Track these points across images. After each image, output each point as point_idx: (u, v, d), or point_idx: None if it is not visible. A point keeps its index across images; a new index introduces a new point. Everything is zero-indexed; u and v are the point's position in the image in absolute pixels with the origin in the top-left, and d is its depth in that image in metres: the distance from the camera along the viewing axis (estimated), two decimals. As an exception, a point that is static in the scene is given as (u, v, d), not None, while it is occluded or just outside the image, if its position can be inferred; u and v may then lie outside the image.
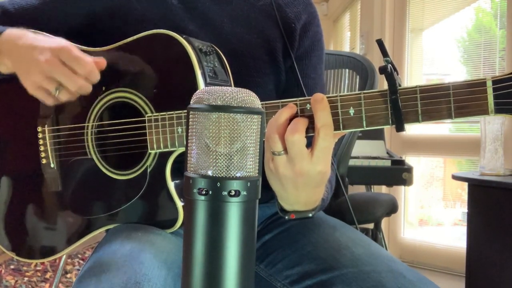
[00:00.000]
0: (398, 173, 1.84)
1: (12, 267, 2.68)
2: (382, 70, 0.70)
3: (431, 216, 3.54)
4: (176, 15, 0.96)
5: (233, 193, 0.45)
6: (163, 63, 0.87)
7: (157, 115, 0.84)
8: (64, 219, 0.96)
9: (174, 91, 0.86)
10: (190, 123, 0.47)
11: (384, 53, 0.71)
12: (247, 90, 0.48)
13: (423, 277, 0.78)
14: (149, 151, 0.86)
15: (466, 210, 2.08)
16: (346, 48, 4.18)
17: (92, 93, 0.90)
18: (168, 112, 0.83)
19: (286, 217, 0.81)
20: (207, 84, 0.82)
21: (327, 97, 0.72)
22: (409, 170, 1.85)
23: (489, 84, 0.66)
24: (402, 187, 3.16)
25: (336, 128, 0.72)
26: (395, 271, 0.77)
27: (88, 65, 0.83)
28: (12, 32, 0.88)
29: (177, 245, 0.83)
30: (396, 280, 0.75)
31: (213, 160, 0.45)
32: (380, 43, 0.72)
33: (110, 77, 0.91)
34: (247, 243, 0.47)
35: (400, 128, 0.69)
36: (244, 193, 0.46)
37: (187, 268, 0.47)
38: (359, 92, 0.72)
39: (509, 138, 2.46)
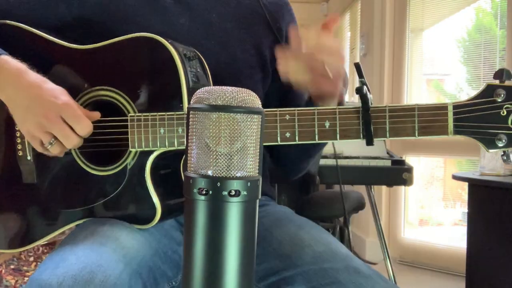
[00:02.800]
0: (398, 173, 1.84)
1: (12, 267, 2.68)
2: (358, 90, 0.78)
3: (431, 216, 3.54)
4: (167, 9, 0.98)
5: (233, 193, 0.45)
6: (148, 65, 0.89)
7: (140, 115, 0.86)
8: (39, 211, 0.97)
9: (158, 94, 0.88)
10: (191, 123, 0.47)
11: (360, 74, 0.81)
12: (247, 90, 0.48)
13: (376, 272, 0.83)
14: (130, 149, 0.88)
15: (466, 210, 2.08)
16: (346, 48, 4.18)
17: (74, 89, 0.91)
18: (152, 113, 0.85)
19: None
20: (190, 88, 0.85)
21: (305, 110, 0.80)
22: (409, 170, 1.85)
23: (450, 108, 0.76)
24: (402, 187, 3.16)
25: (311, 139, 0.81)
26: (351, 267, 0.82)
27: (88, 126, 0.85)
28: (7, 66, 0.87)
29: (141, 242, 0.85)
30: (351, 276, 0.80)
31: (213, 160, 0.45)
32: (357, 66, 0.81)
33: (94, 75, 0.92)
34: (247, 243, 0.47)
35: (369, 142, 0.78)
36: (244, 193, 0.46)
37: (188, 268, 0.47)
38: (335, 107, 0.80)
39: (509, 138, 2.45)
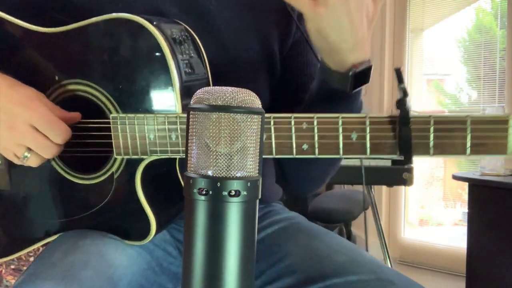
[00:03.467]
0: (398, 173, 1.84)
1: (12, 267, 2.68)
2: (401, 102, 0.64)
3: (431, 216, 3.54)
4: None
5: (233, 193, 0.45)
6: (131, 55, 0.75)
7: (124, 117, 0.72)
8: (13, 222, 0.85)
9: (144, 90, 0.74)
10: (190, 123, 0.47)
11: (400, 80, 0.66)
12: (247, 90, 0.48)
13: (413, 282, 0.73)
14: (115, 156, 0.75)
15: (466, 210, 2.08)
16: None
17: (41, 82, 0.78)
18: (138, 114, 0.72)
19: (350, 72, 0.71)
20: (183, 82, 0.72)
21: (326, 117, 0.66)
22: (409, 170, 1.85)
23: (511, 123, 0.61)
24: (402, 187, 3.16)
25: (334, 152, 0.66)
26: (384, 278, 0.71)
27: (65, 132, 0.73)
28: None
29: (131, 257, 0.75)
30: None
31: (213, 160, 0.45)
32: (397, 72, 0.67)
33: (65, 65, 0.78)
34: (247, 243, 0.47)
35: (407, 161, 0.64)
36: (244, 193, 0.46)
37: (187, 268, 0.47)
38: (364, 115, 0.65)
39: (510, 138, 2.46)
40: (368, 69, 0.72)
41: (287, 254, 0.80)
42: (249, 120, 0.46)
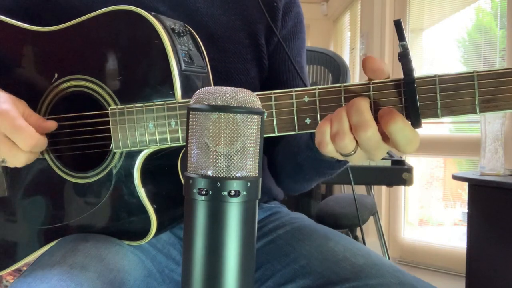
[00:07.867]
0: (398, 173, 1.84)
1: (12, 267, 2.68)
2: (403, 55, 0.62)
3: (431, 216, 3.54)
4: None
5: (233, 193, 0.45)
6: (129, 46, 0.74)
7: (123, 108, 0.72)
8: (12, 230, 0.82)
9: (143, 80, 0.73)
10: (190, 123, 0.47)
11: (401, 36, 0.64)
12: (247, 90, 0.48)
13: (432, 286, 0.72)
14: (114, 150, 0.74)
15: (466, 210, 2.08)
16: (346, 48, 4.17)
17: (42, 81, 0.79)
18: (136, 104, 0.72)
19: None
20: (182, 71, 0.72)
21: (328, 88, 0.65)
22: (409, 170, 1.85)
23: None
24: (402, 187, 3.16)
25: None
26: (406, 283, 0.69)
27: (31, 138, 0.70)
28: None
29: (132, 262, 0.73)
30: None
31: (213, 160, 0.45)
32: (397, 24, 0.64)
33: (64, 63, 0.78)
34: (247, 243, 0.47)
35: (416, 124, 0.61)
36: (244, 193, 0.46)
37: (187, 268, 0.47)
38: (367, 82, 0.63)
39: (509, 138, 2.46)
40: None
41: (301, 255, 0.78)
42: (249, 120, 0.46)
